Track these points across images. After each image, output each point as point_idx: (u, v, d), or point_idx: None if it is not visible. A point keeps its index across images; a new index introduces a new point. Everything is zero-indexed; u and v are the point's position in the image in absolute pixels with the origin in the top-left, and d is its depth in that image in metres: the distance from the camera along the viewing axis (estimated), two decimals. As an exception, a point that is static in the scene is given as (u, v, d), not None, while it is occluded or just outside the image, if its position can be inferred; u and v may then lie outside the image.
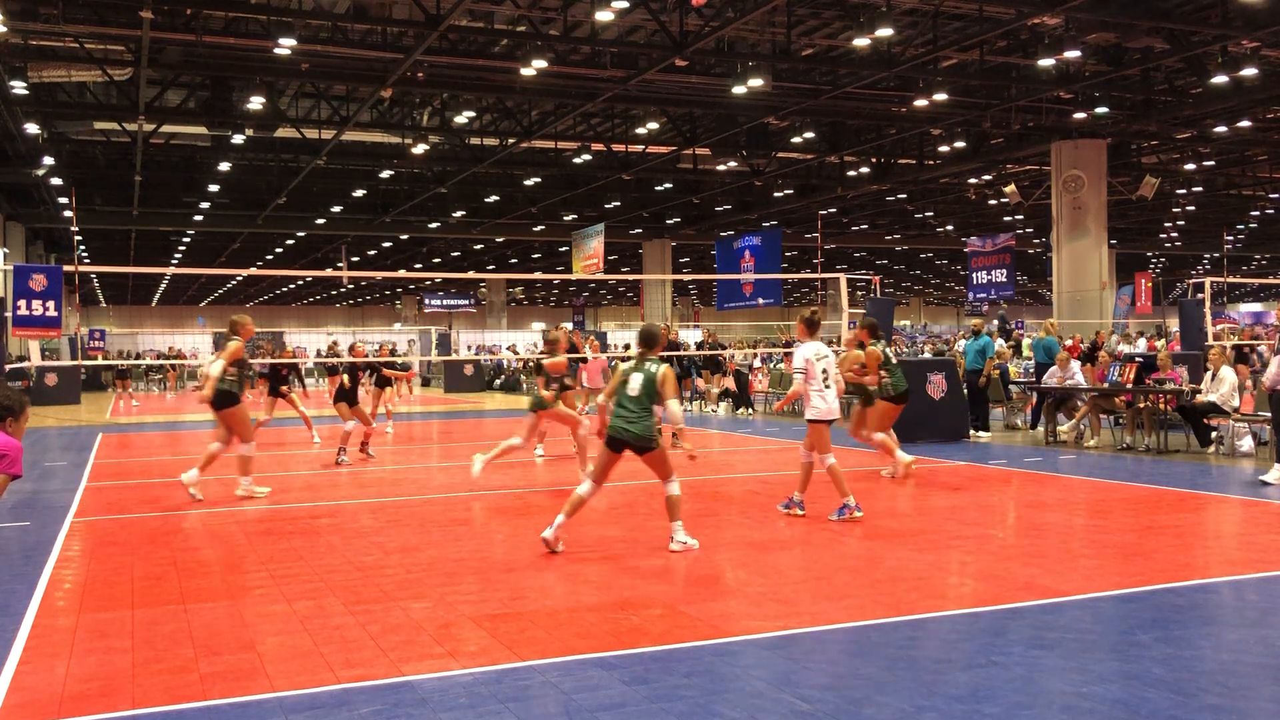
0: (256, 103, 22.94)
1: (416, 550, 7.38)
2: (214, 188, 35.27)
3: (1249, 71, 20.87)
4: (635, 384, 7.21)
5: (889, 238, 52.55)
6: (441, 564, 6.90)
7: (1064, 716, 3.97)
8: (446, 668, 4.65)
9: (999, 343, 19.65)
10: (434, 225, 42.87)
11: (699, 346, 25.27)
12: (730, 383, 21.23)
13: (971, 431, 14.89)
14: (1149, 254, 60.26)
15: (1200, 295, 18.75)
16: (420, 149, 28.09)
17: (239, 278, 66.81)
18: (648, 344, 7.48)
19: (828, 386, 8.35)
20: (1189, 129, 28.99)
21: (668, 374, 7.23)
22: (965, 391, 15.21)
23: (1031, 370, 20.70)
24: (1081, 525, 8.08)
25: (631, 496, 9.80)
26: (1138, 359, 14.30)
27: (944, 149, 31.12)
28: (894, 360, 10.68)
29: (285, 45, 18.36)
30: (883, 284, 51.28)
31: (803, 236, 46.89)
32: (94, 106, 25.05)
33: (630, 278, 59.24)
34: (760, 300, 30.25)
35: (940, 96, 23.25)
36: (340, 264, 44.64)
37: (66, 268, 12.55)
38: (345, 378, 13.36)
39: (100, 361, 35.79)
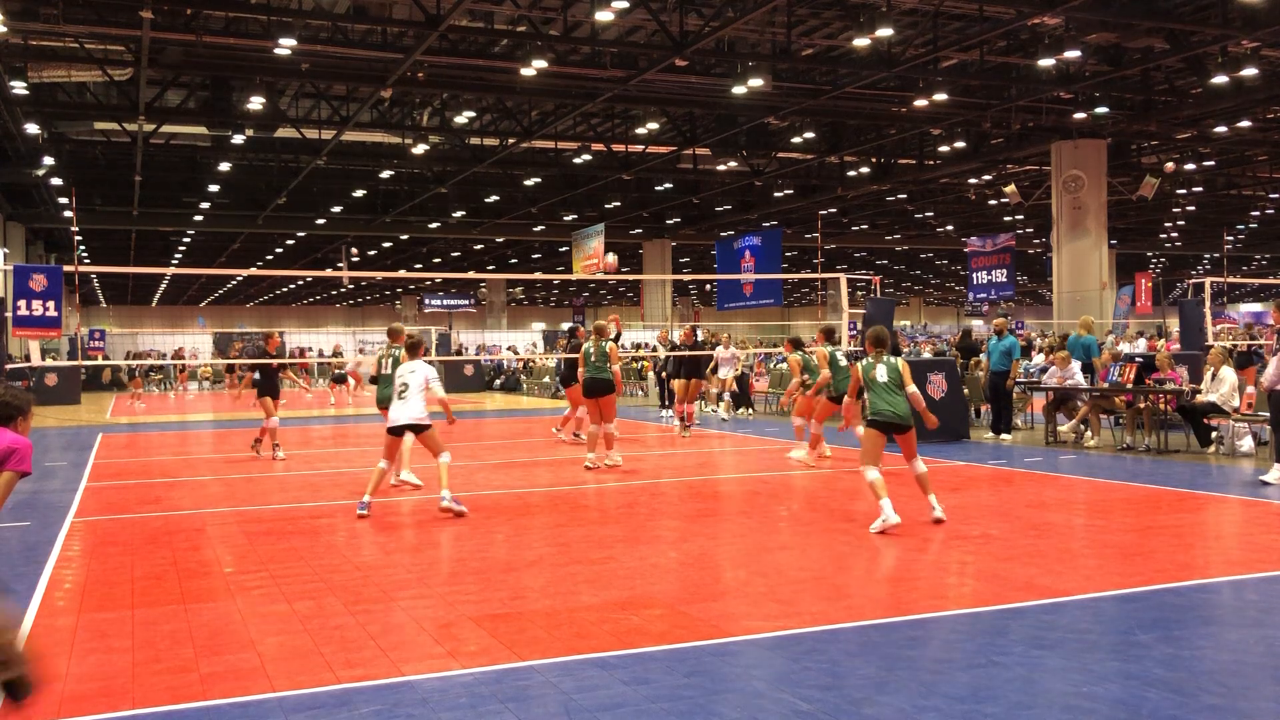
0: (256, 103, 22.94)
1: (416, 550, 7.38)
2: (214, 188, 35.27)
3: (1249, 71, 20.87)
4: (883, 374, 8.23)
5: (889, 238, 52.55)
6: (441, 564, 6.90)
7: (1064, 716, 3.97)
8: (446, 668, 4.65)
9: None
10: (434, 225, 42.87)
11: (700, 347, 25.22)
12: (731, 383, 21.19)
13: (993, 433, 14.91)
14: (1149, 254, 60.27)
15: (1200, 295, 18.74)
16: (420, 149, 28.10)
17: (239, 278, 66.81)
18: (882, 343, 8.51)
19: (402, 399, 9.07)
20: (1189, 129, 28.99)
21: (905, 364, 8.41)
22: (965, 392, 15.21)
23: (1032, 371, 20.68)
24: (1081, 525, 8.08)
25: (632, 496, 9.81)
26: (1138, 359, 14.28)
27: (944, 149, 31.12)
28: (841, 363, 12.05)
29: (285, 45, 18.37)
30: (883, 284, 51.27)
31: (803, 236, 46.90)
32: (94, 106, 25.06)
33: (630, 278, 59.24)
34: (761, 300, 30.24)
35: (940, 96, 23.26)
36: (340, 264, 44.65)
37: (66, 268, 12.55)
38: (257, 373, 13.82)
39: (100, 361, 35.76)
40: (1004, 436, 14.72)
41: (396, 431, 9.06)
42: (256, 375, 13.87)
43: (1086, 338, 15.22)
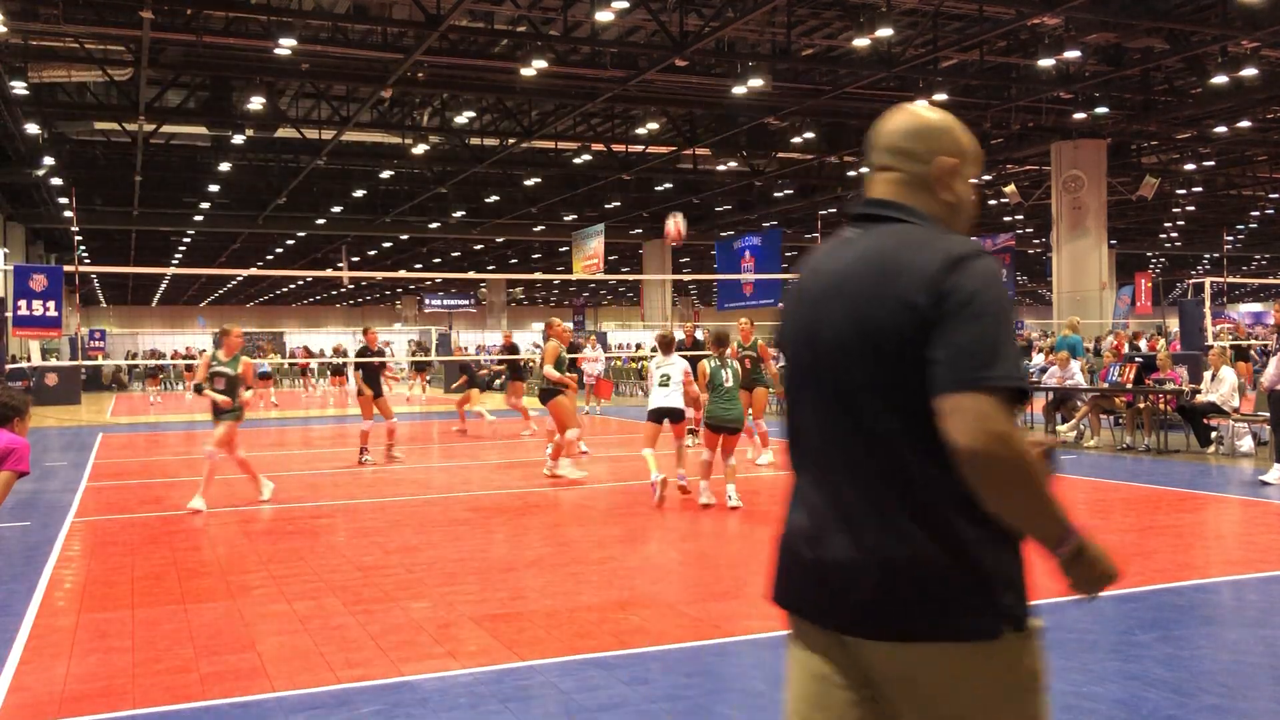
0: (256, 103, 22.93)
1: (416, 550, 7.38)
2: (214, 188, 35.26)
3: (1249, 71, 20.85)
4: (729, 378, 8.85)
5: (889, 238, 52.49)
6: (441, 564, 6.90)
7: (1064, 716, 3.97)
8: (446, 668, 4.65)
9: None
10: (434, 225, 42.86)
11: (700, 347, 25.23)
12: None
13: None
14: (1149, 254, 60.23)
15: (1200, 295, 18.74)
16: (420, 149, 28.08)
17: (239, 278, 66.78)
18: (724, 344, 9.23)
19: (664, 387, 9.59)
20: (1189, 129, 28.98)
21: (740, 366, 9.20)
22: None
23: (1032, 371, 20.68)
24: (1081, 525, 8.08)
25: (632, 496, 9.80)
26: (1138, 359, 14.28)
27: (944, 149, 31.09)
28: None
29: (285, 45, 18.35)
30: (883, 284, 51.08)
31: (803, 236, 46.87)
32: (94, 106, 25.04)
33: (630, 278, 59.19)
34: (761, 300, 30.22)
35: (940, 96, 23.24)
36: (340, 264, 44.64)
37: (66, 268, 12.57)
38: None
39: (101, 361, 35.74)
40: None
41: (658, 417, 9.52)
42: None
43: (1072, 337, 15.57)
